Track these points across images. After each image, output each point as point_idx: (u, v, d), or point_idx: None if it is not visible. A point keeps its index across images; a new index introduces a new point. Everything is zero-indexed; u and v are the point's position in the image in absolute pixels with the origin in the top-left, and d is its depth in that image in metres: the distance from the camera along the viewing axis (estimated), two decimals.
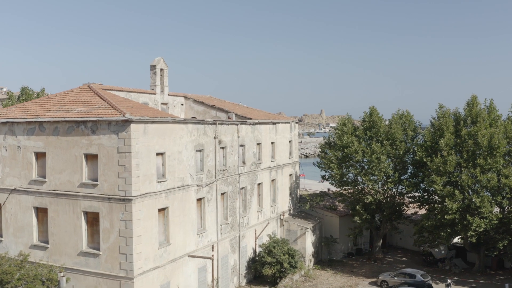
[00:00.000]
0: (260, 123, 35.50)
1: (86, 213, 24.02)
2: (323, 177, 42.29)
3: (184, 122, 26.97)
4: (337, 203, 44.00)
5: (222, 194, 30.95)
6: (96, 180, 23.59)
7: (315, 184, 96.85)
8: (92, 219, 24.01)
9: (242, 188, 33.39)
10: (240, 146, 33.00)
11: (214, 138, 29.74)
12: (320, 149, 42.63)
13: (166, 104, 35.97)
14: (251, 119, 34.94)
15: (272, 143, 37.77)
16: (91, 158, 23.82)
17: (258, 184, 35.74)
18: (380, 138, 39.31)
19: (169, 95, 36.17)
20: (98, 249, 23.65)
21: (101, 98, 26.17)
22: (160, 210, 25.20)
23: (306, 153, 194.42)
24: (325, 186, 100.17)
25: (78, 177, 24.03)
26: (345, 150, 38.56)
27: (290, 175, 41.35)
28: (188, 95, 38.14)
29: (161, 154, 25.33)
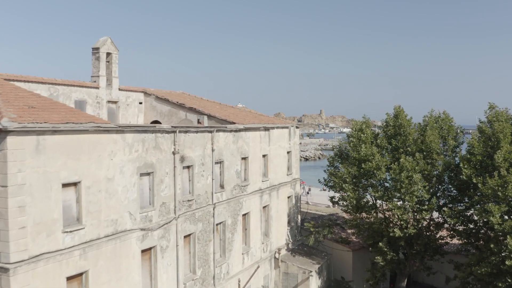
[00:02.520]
0: (246, 129, 25.31)
1: None
2: (333, 201, 32.10)
3: (119, 130, 16.81)
4: (348, 230, 33.95)
5: (187, 236, 20.79)
6: None
7: (317, 194, 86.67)
8: None
9: (219, 223, 23.23)
10: (217, 163, 22.84)
11: (173, 153, 19.58)
12: (328, 163, 32.40)
13: (115, 102, 25.74)
14: (234, 123, 24.76)
15: (264, 156, 27.58)
16: None
17: (244, 215, 25.55)
18: (409, 149, 29.15)
19: (120, 89, 25.96)
20: None
21: None
22: (71, 278, 15.14)
23: (306, 156, 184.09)
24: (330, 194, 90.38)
25: None
26: (363, 165, 28.38)
27: (288, 197, 31.14)
28: (149, 90, 27.90)
29: (74, 184, 15.27)
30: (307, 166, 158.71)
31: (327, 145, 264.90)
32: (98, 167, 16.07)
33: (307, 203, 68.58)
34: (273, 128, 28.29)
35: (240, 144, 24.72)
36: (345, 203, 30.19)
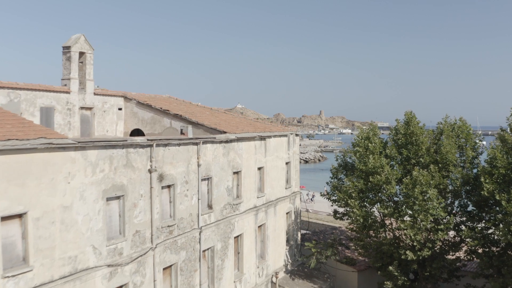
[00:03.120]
0: (239, 139, 22.16)
1: None
2: (336, 216, 28.89)
3: (78, 146, 13.69)
4: (351, 245, 30.82)
5: (167, 268, 17.63)
6: None
7: (319, 200, 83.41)
8: None
9: (207, 249, 20.10)
10: (204, 179, 19.71)
11: (150, 171, 16.47)
12: (332, 174, 29.21)
13: (90, 108, 22.62)
14: (224, 132, 21.63)
15: (259, 168, 24.43)
16: None
17: (236, 237, 22.41)
18: (422, 160, 26.04)
19: (96, 94, 22.85)
20: None
21: None
22: None
23: (306, 158, 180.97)
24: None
25: None
26: (371, 179, 25.26)
27: (287, 213, 28.01)
28: (130, 94, 24.78)
29: (18, 216, 12.19)
30: (307, 169, 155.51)
31: (327, 146, 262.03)
32: (51, 193, 12.96)
33: (307, 210, 65.49)
34: (269, 137, 25.14)
35: (231, 157, 21.59)
36: (350, 220, 27.04)
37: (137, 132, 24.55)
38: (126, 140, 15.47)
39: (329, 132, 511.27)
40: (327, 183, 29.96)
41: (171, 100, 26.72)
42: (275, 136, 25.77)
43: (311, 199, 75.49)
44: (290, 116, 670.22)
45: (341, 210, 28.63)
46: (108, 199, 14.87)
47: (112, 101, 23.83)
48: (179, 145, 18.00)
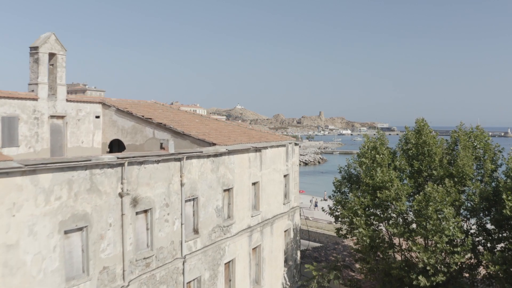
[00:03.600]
0: (230, 152, 19.52)
1: None
2: (339, 234, 26.23)
3: (26, 170, 11.08)
4: (356, 265, 28.17)
5: None
6: None
7: (321, 207, 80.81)
8: None
9: (192, 280, 17.44)
10: (188, 200, 17.08)
11: (121, 195, 13.85)
12: (335, 187, 26.55)
13: (62, 117, 19.99)
14: (214, 144, 19.00)
15: (254, 184, 21.81)
16: None
17: (227, 263, 19.77)
18: (435, 172, 23.43)
19: (68, 100, 20.23)
20: None
21: None
22: None
23: (305, 160, 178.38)
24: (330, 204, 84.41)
25: None
26: (379, 194, 22.65)
27: (285, 231, 25.38)
28: (109, 100, 22.15)
29: None
30: (306, 172, 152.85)
31: (326, 148, 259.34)
32: None
33: (307, 218, 62.81)
34: (265, 148, 22.50)
35: (222, 172, 18.95)
36: (355, 239, 24.42)
37: (117, 143, 21.94)
38: (89, 160, 12.83)
39: (328, 133, 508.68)
40: (330, 197, 27.33)
41: (156, 107, 24.08)
42: (272, 146, 23.13)
43: (314, 205, 72.58)
44: (289, 117, 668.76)
45: (344, 227, 26.01)
46: (66, 232, 12.25)
47: (88, 108, 21.19)
48: (157, 162, 15.37)
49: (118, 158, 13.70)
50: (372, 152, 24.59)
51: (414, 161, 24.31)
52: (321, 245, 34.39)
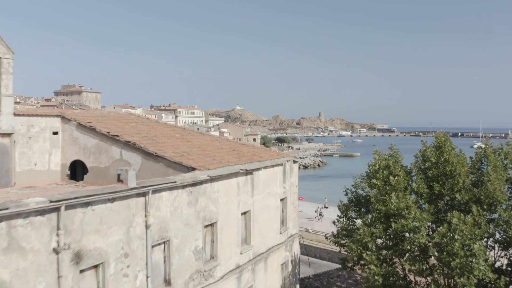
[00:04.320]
0: (213, 179, 15.83)
1: None
2: (345, 266, 22.53)
3: None
4: None
5: None
6: None
7: (325, 216, 77.06)
8: None
9: None
10: (157, 244, 13.37)
11: (56, 251, 10.13)
12: (340, 211, 22.84)
13: (8, 134, 16.30)
14: (193, 169, 15.33)
15: (244, 213, 18.12)
16: None
17: None
18: (458, 197, 19.77)
19: (17, 114, 16.57)
20: None
21: None
22: None
23: (305, 164, 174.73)
24: (333, 213, 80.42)
25: None
26: (393, 224, 18.98)
27: (282, 264, 21.67)
28: (70, 113, 18.48)
29: None
30: (306, 176, 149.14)
31: (326, 150, 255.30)
32: None
33: (307, 230, 59.09)
34: (259, 169, 18.80)
35: (202, 205, 15.26)
36: (364, 273, 20.78)
37: (81, 166, 18.26)
38: (6, 208, 9.15)
39: (328, 134, 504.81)
40: (334, 222, 23.65)
41: (129, 119, 20.37)
42: (266, 167, 19.43)
43: (319, 215, 68.44)
44: (289, 118, 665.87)
45: (350, 261, 22.30)
46: None
47: (44, 123, 17.51)
48: (112, 200, 11.69)
49: (51, 201, 10.01)
50: (385, 172, 20.91)
51: (434, 183, 20.65)
52: (323, 272, 30.63)
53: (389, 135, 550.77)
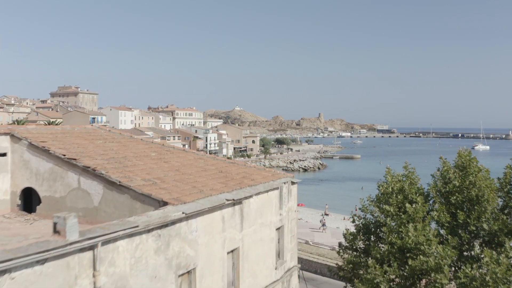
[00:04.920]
0: (190, 216, 12.69)
1: None
2: None
3: None
4: None
5: None
6: None
7: (319, 219, 73.61)
8: None
9: None
10: None
11: None
12: (346, 241, 19.71)
13: None
14: (165, 203, 12.20)
15: (231, 252, 14.99)
16: None
17: None
18: (486, 227, 16.66)
19: None
20: None
21: None
22: None
23: (305, 166, 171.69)
24: (334, 221, 77.18)
25: None
26: (410, 262, 15.89)
27: None
28: (21, 131, 15.30)
29: None
30: (305, 179, 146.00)
31: (326, 151, 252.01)
32: None
33: (307, 242, 55.95)
34: (250, 196, 15.64)
35: (175, 249, 12.11)
36: None
37: (37, 193, 15.10)
38: None
39: (328, 135, 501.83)
40: (338, 252, 20.52)
41: (97, 135, 17.18)
42: (259, 193, 16.28)
43: (322, 226, 64.97)
44: (288, 118, 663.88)
45: None
46: None
47: None
48: (42, 262, 8.55)
49: None
50: (399, 196, 17.79)
51: (458, 210, 17.54)
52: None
53: (389, 136, 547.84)
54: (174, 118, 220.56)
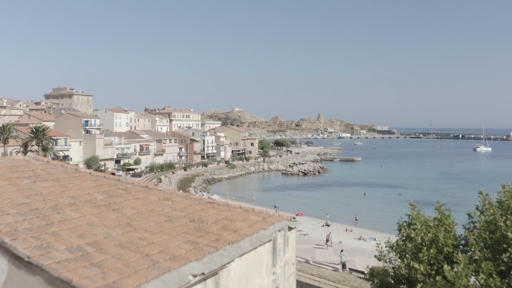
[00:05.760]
0: None
1: None
2: None
3: None
4: None
5: None
6: None
7: (320, 231, 69.08)
8: None
9: None
10: None
11: None
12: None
13: None
14: None
15: None
16: None
17: None
18: None
19: None
20: None
21: None
22: None
23: (304, 170, 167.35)
24: (336, 234, 72.60)
25: None
26: None
27: None
28: None
29: None
30: (305, 185, 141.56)
31: (326, 154, 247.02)
32: None
33: (307, 261, 51.47)
34: (229, 263, 11.26)
35: None
36: None
37: None
38: None
39: (327, 136, 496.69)
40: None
41: (26, 170, 12.55)
42: (244, 254, 11.88)
43: (326, 242, 60.08)
44: (288, 119, 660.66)
45: None
46: None
47: None
48: None
49: None
50: (432, 250, 13.38)
51: (499, 263, 13.18)
52: None
53: (389, 137, 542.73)
54: (171, 120, 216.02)
